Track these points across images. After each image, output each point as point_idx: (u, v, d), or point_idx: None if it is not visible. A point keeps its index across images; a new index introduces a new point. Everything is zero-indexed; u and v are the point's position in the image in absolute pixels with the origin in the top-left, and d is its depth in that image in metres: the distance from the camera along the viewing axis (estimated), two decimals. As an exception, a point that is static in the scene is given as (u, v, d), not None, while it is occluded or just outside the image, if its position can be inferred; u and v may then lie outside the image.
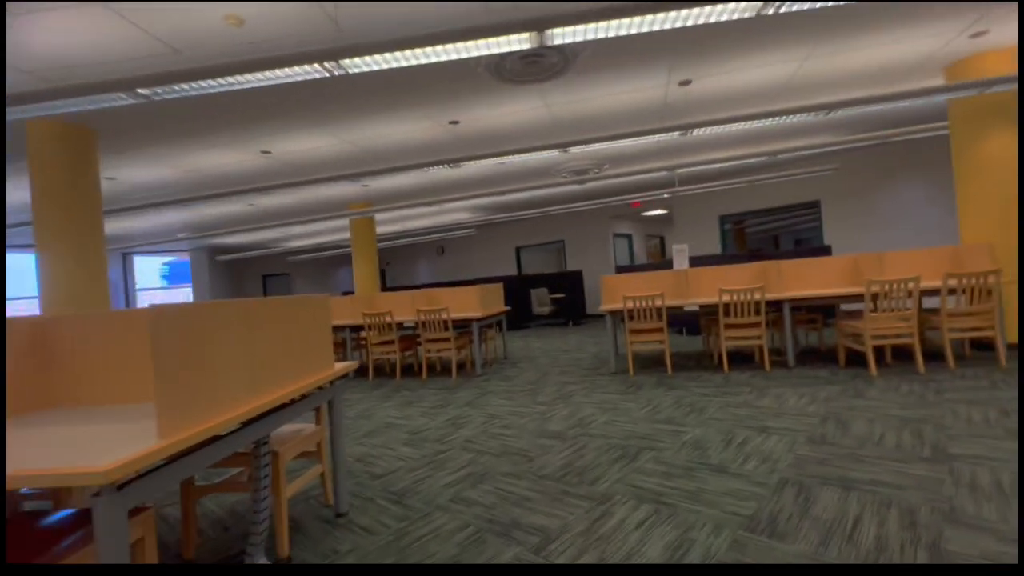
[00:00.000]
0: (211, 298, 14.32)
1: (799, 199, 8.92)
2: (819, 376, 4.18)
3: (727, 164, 8.09)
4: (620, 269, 9.18)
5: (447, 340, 5.53)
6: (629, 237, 12.72)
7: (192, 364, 1.38)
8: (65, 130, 4.49)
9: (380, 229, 11.93)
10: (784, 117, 4.60)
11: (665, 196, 9.80)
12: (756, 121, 4.60)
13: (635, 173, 6.86)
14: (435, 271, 16.02)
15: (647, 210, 11.68)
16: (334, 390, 2.31)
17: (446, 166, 5.38)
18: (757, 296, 4.47)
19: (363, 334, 6.18)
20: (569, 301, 10.39)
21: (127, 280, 13.63)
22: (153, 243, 10.39)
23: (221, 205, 8.37)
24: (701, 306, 4.83)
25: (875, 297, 4.06)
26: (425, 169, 5.53)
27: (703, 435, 2.98)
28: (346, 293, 12.89)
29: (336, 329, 6.12)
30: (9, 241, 10.02)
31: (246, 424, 1.68)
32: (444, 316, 5.43)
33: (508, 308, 6.73)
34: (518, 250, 13.96)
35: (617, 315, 5.21)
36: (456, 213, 11.29)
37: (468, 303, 6.03)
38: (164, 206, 6.26)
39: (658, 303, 4.74)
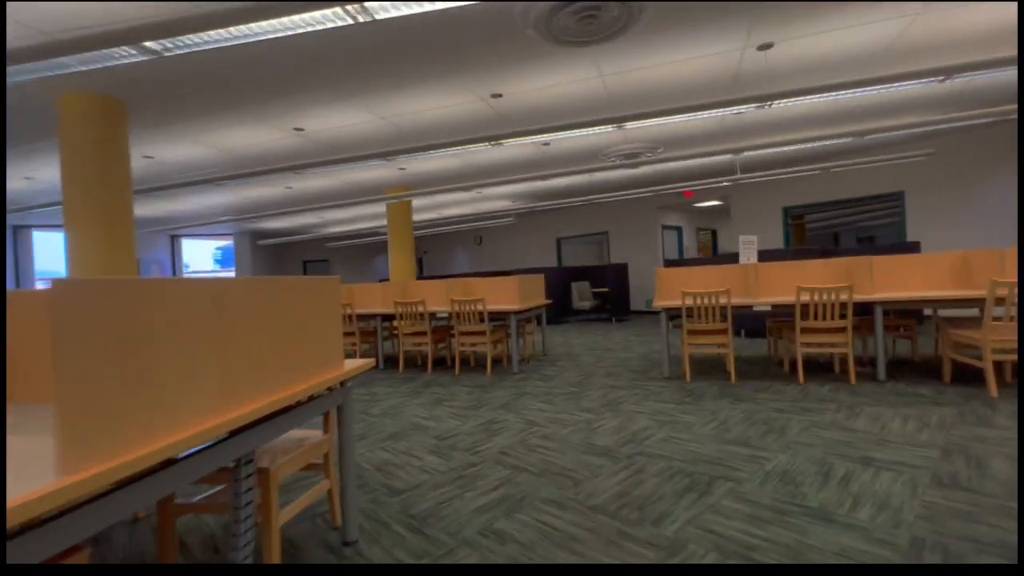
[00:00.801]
0: (253, 282, 14.52)
1: (879, 190, 7.96)
2: (921, 394, 3.50)
3: (800, 147, 7.27)
4: (668, 263, 8.51)
5: (482, 333, 5.13)
6: (679, 230, 11.95)
7: (126, 362, 0.99)
8: (95, 103, 4.33)
9: (417, 216, 11.67)
10: (883, 87, 3.90)
11: (724, 184, 9.02)
12: (848, 92, 3.92)
13: (693, 157, 6.21)
14: (473, 261, 15.71)
15: (700, 200, 10.88)
16: (344, 392, 1.92)
17: (487, 144, 4.94)
18: (843, 296, 3.80)
19: (395, 323, 5.87)
20: (613, 296, 9.80)
21: (175, 261, 14.02)
22: (194, 225, 10.49)
23: (259, 187, 8.27)
24: (773, 306, 4.19)
25: (1000, 301, 3.34)
26: (464, 148, 5.12)
27: (790, 464, 2.43)
28: (383, 280, 12.74)
29: (366, 317, 5.83)
30: (46, 221, 10.37)
31: (220, 441, 1.29)
32: (480, 308, 5.02)
33: (549, 301, 6.26)
34: (559, 241, 13.42)
35: (672, 313, 4.64)
36: (495, 201, 10.87)
37: (506, 295, 5.60)
38: (199, 185, 6.13)
39: (722, 301, 4.15)
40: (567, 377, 4.80)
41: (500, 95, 4.72)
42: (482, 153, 6.92)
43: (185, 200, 8.98)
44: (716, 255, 12.59)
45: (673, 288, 4.89)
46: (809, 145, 6.64)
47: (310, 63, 3.87)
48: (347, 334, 5.81)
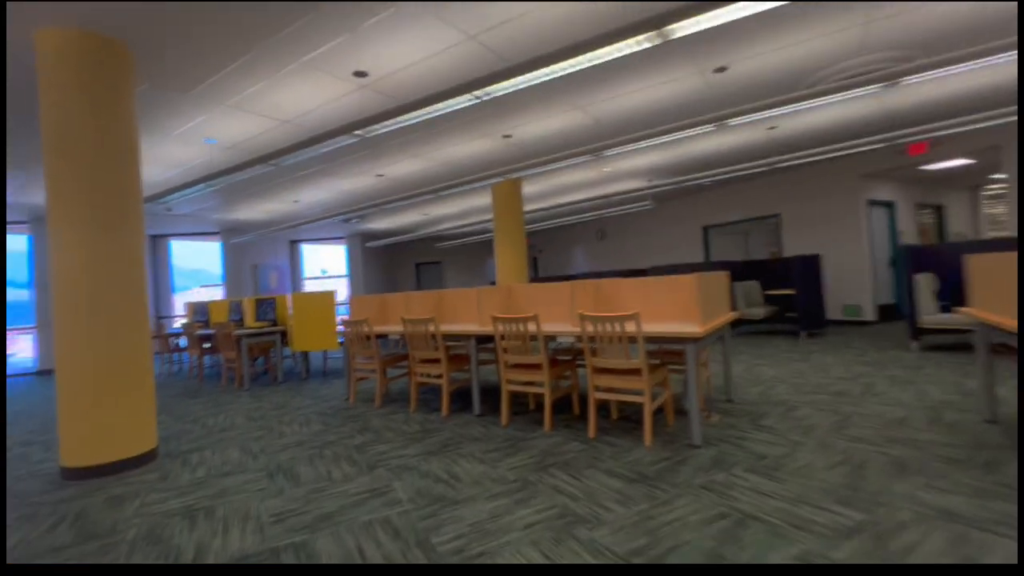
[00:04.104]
0: (364, 286, 14.04)
1: None
2: None
3: None
4: (913, 251, 5.53)
5: (633, 373, 3.02)
6: (890, 206, 8.51)
7: None
8: (84, 43, 3.10)
9: (528, 207, 9.85)
10: None
11: (994, 125, 5.73)
12: None
13: (969, 60, 3.43)
14: (594, 259, 13.52)
15: (933, 161, 7.43)
16: None
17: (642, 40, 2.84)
18: None
19: (500, 344, 4.00)
20: (801, 301, 6.93)
21: (294, 267, 14.03)
22: (292, 226, 9.85)
23: (347, 177, 7.06)
24: None
25: None
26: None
27: None
28: (493, 284, 11.20)
29: (452, 338, 4.06)
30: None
31: None
32: (627, 328, 2.92)
33: (736, 314, 3.91)
34: (706, 231, 10.65)
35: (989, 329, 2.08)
36: (625, 181, 8.60)
37: (674, 306, 3.42)
38: (258, 164, 4.89)
39: None
40: (809, 469, 2.48)
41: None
42: (613, 102, 4.79)
43: (281, 198, 8.20)
44: (944, 242, 8.87)
45: (1003, 286, 2.30)
46: None
47: None
48: (429, 361, 4.10)
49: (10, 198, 6.91)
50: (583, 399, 3.93)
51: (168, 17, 3.01)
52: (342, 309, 10.88)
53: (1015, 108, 5.20)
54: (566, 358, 3.80)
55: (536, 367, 3.46)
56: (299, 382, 6.01)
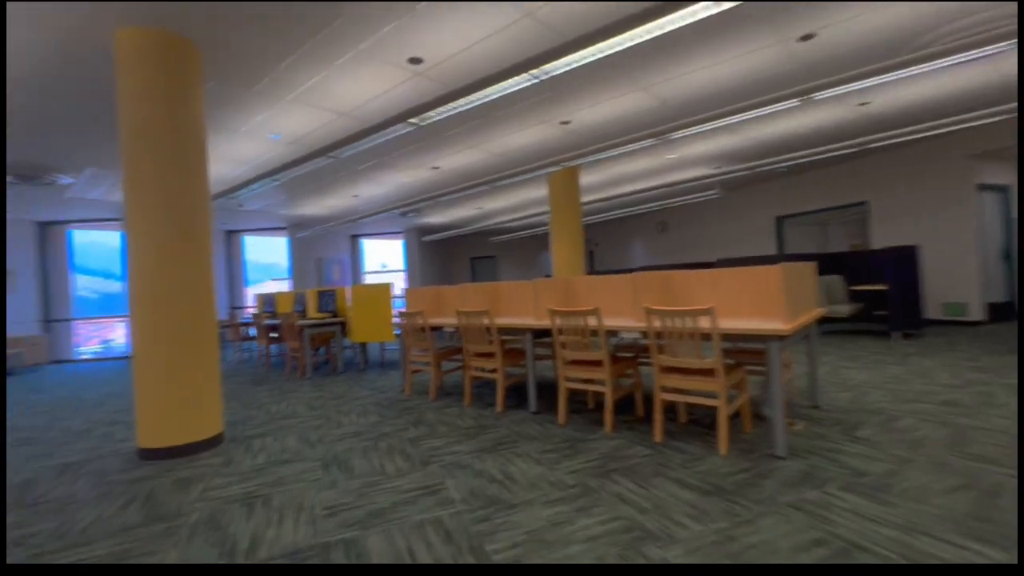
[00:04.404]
0: (421, 280, 14.28)
1: None
2: None
3: None
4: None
5: (705, 374, 2.74)
6: (1004, 191, 7.46)
7: None
8: (160, 42, 3.20)
9: (584, 198, 9.53)
10: None
11: None
12: None
13: None
14: (654, 252, 12.96)
15: (1062, 136, 6.38)
16: None
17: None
18: None
19: (558, 340, 3.82)
20: (894, 297, 6.21)
21: (355, 261, 14.50)
22: (352, 220, 10.10)
23: (401, 170, 7.10)
24: None
25: None
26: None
27: None
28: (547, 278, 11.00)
29: (507, 332, 3.91)
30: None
31: None
32: (702, 323, 2.64)
33: (823, 311, 3.48)
34: (779, 221, 9.87)
35: None
36: (689, 168, 8.10)
37: (753, 301, 3.09)
38: (318, 157, 4.97)
39: None
40: (923, 491, 2.11)
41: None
42: (680, 80, 4.43)
43: (341, 193, 8.41)
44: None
45: None
46: None
47: None
48: (484, 355, 3.98)
49: (106, 196, 7.52)
50: (647, 399, 3.66)
51: (229, 13, 3.05)
52: (399, 302, 11.09)
53: None
54: (627, 355, 3.55)
55: (596, 364, 3.24)
56: (357, 373, 6.12)
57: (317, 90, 4.22)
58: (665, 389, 2.94)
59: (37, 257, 9.30)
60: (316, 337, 6.53)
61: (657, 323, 2.81)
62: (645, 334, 2.97)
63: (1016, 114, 5.35)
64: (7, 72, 3.61)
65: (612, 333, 3.22)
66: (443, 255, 15.66)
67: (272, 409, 4.39)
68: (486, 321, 3.82)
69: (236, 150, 5.70)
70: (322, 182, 7.53)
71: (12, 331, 8.58)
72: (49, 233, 9.48)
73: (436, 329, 4.46)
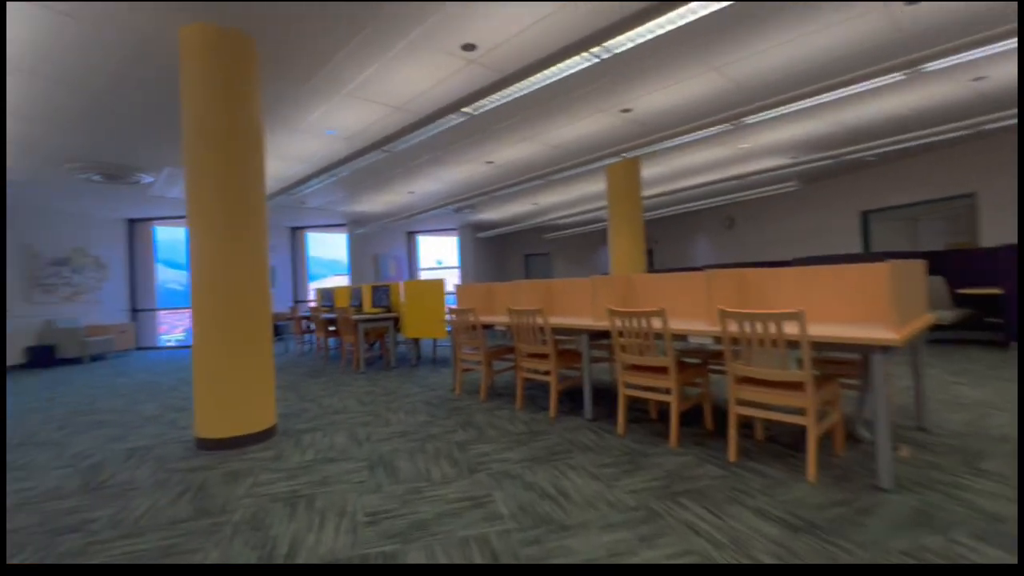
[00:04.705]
0: (474, 277, 14.28)
1: None
2: None
3: None
4: None
5: (793, 388, 2.38)
6: None
7: None
8: (222, 38, 3.24)
9: (644, 192, 9.07)
10: None
11: None
12: None
13: None
14: (720, 250, 12.21)
15: None
16: None
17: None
18: None
19: (617, 343, 3.54)
20: (1014, 302, 5.36)
21: (411, 257, 14.74)
22: (408, 216, 10.19)
23: (457, 164, 7.01)
24: None
25: None
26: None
27: None
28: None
29: (561, 332, 3.67)
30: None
31: None
32: (789, 329, 2.29)
33: (933, 316, 2.98)
34: (865, 216, 8.94)
35: None
36: (762, 159, 7.47)
37: (850, 303, 2.68)
38: (373, 151, 4.95)
39: None
40: (1091, 548, 1.67)
41: None
42: (760, 57, 4.00)
43: (397, 189, 8.49)
44: None
45: None
46: None
47: None
48: (536, 355, 3.77)
49: (170, 193, 7.98)
50: (717, 411, 3.31)
51: (283, 7, 3.02)
52: (451, 298, 11.11)
53: None
54: (694, 361, 3.21)
55: (661, 371, 2.94)
56: (409, 368, 6.10)
57: (371, 83, 4.17)
58: (741, 402, 2.60)
59: (126, 252, 10.10)
60: (370, 332, 6.59)
61: (734, 327, 2.48)
62: (718, 339, 2.64)
63: None
64: (99, 79, 3.80)
65: (680, 338, 2.90)
66: (497, 252, 15.60)
67: (325, 403, 4.41)
68: (539, 320, 3.60)
69: (295, 147, 5.82)
70: (379, 178, 7.61)
71: (104, 319, 9.37)
72: (137, 229, 10.28)
73: (488, 327, 4.30)
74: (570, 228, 14.19)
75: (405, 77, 4.07)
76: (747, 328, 2.43)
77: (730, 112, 4.59)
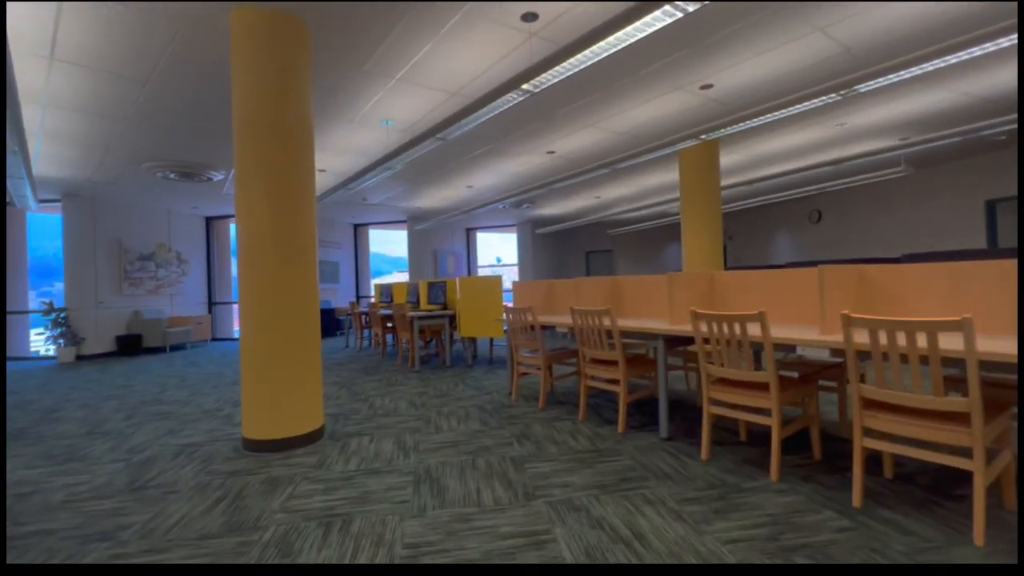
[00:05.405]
0: (533, 274, 13.93)
1: None
2: None
3: None
4: None
5: (950, 421, 1.81)
6: None
7: None
8: (274, 22, 3.09)
9: (724, 181, 8.28)
10: None
11: None
12: None
13: None
14: (805, 246, 11.04)
15: None
16: None
17: None
18: None
19: (697, 350, 3.07)
20: None
21: (470, 255, 14.63)
22: (466, 211, 9.98)
23: (517, 156, 6.67)
24: None
25: None
26: None
27: None
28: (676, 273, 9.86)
29: (631, 335, 3.20)
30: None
31: None
32: (946, 343, 1.72)
33: None
34: (991, 206, 7.65)
35: None
36: (861, 141, 6.53)
37: (1016, 311, 2.05)
38: (429, 139, 4.71)
39: None
40: None
41: None
42: (880, 11, 3.32)
43: (455, 184, 8.29)
44: None
45: None
46: None
47: None
48: (602, 362, 3.33)
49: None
50: (826, 438, 2.73)
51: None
52: (509, 296, 10.83)
53: None
54: (790, 374, 2.66)
55: (759, 387, 2.43)
56: (465, 368, 5.85)
57: (425, 65, 3.91)
58: (870, 433, 2.04)
59: (204, 248, 10.68)
60: (426, 329, 6.41)
61: (865, 338, 1.94)
62: (838, 352, 2.10)
63: None
64: (166, 82, 3.82)
65: (782, 347, 2.37)
66: (557, 249, 15.15)
67: (376, 403, 4.22)
68: (607, 322, 3.17)
69: (352, 141, 5.73)
70: (436, 172, 7.43)
71: (184, 312, 9.95)
72: (214, 226, 10.84)
73: (547, 328, 3.92)
74: (634, 224, 13.47)
75: (461, 55, 3.77)
76: (882, 339, 1.88)
77: (838, 80, 3.89)
